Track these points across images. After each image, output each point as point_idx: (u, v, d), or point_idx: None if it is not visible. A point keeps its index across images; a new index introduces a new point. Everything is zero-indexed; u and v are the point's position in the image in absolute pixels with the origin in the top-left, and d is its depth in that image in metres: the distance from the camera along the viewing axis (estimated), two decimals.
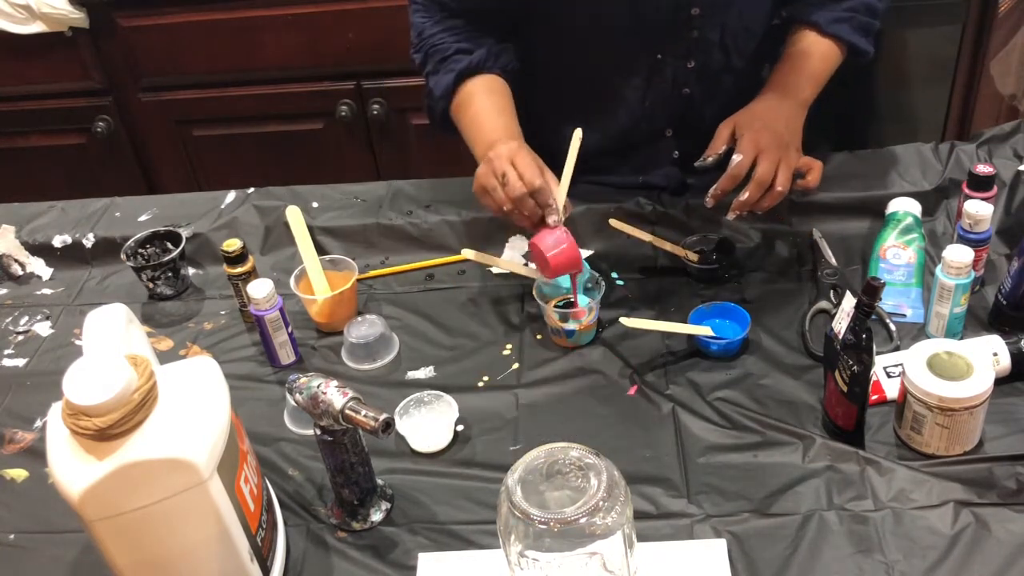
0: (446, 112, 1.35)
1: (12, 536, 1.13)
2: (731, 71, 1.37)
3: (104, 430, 0.85)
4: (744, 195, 1.21)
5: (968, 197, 1.23)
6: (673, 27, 1.29)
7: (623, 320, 1.22)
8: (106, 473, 0.85)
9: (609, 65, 1.35)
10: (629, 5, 1.27)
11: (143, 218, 1.57)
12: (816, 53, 1.34)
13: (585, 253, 1.41)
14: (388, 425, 0.98)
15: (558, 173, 1.25)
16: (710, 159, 1.27)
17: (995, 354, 1.14)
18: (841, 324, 1.05)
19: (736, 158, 1.22)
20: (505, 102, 1.32)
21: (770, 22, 1.39)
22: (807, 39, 1.35)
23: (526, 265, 1.41)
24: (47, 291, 1.51)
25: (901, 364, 1.10)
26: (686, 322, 1.26)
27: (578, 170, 1.48)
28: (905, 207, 1.35)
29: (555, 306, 1.29)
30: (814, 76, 1.33)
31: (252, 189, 1.59)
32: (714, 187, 1.23)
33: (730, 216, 1.24)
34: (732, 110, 1.37)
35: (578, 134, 1.24)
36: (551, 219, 1.19)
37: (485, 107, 1.31)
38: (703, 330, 1.22)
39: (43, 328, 1.44)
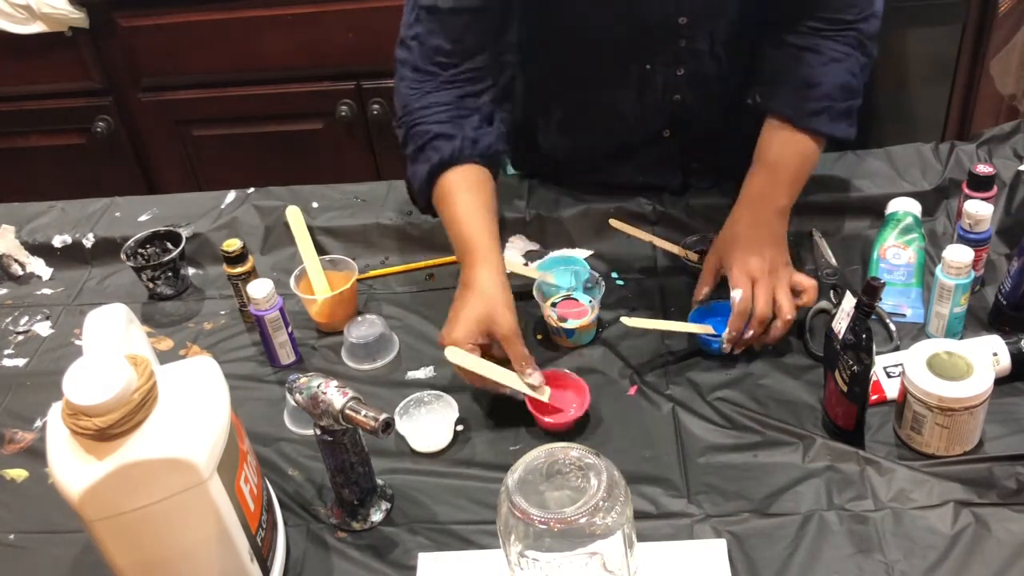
0: (429, 203, 1.29)
1: (12, 536, 1.13)
2: (723, 78, 1.35)
3: (104, 430, 0.85)
4: (749, 333, 1.20)
5: (968, 197, 1.23)
6: (661, 36, 1.29)
7: (624, 320, 1.22)
8: (106, 473, 0.85)
9: (599, 73, 1.35)
10: (617, 15, 1.26)
11: (143, 218, 1.57)
12: (791, 154, 1.27)
13: (585, 253, 1.42)
14: (388, 425, 0.98)
15: (568, 170, 1.23)
16: (701, 298, 1.26)
17: (995, 354, 1.14)
18: (841, 324, 1.05)
19: (735, 294, 1.19)
20: (477, 200, 1.24)
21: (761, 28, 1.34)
22: (781, 137, 1.27)
23: (526, 265, 1.41)
24: (47, 291, 1.51)
25: (901, 364, 1.10)
26: (682, 319, 1.26)
27: (578, 170, 1.49)
28: (905, 207, 1.35)
29: (551, 304, 1.29)
30: (791, 180, 1.27)
31: (252, 189, 1.59)
32: (726, 332, 1.20)
33: (737, 351, 1.22)
34: (727, 113, 1.37)
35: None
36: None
37: (455, 213, 1.23)
38: (704, 328, 1.22)
39: (43, 328, 1.44)
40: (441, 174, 1.25)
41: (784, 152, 1.28)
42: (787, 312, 1.19)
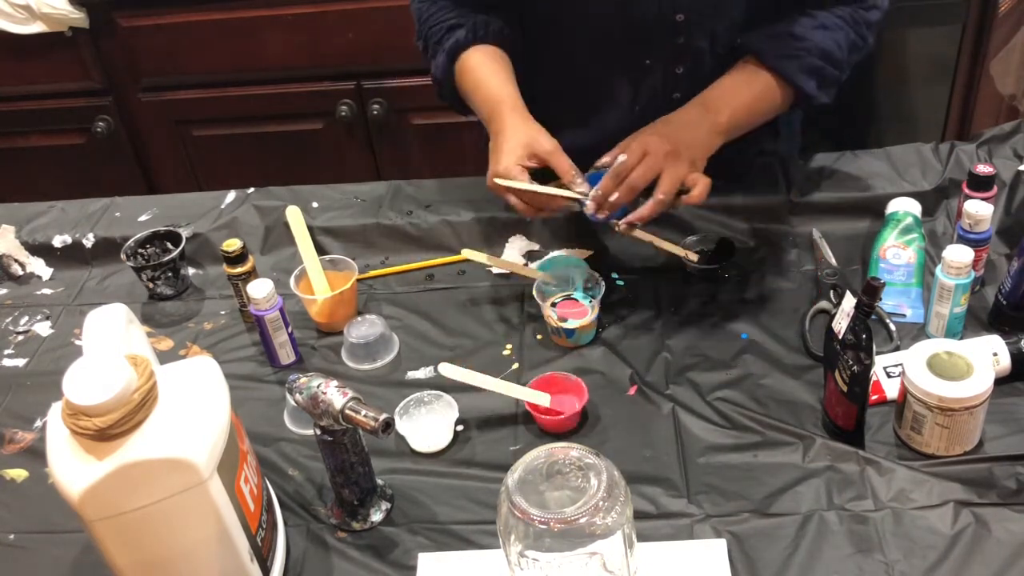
0: (455, 92, 1.35)
1: (12, 536, 1.13)
2: (726, 69, 1.34)
3: (104, 430, 0.85)
4: (614, 196, 1.17)
5: (968, 197, 1.23)
6: (659, 32, 1.29)
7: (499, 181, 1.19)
8: (106, 473, 0.85)
9: (598, 68, 1.35)
10: (616, 10, 1.27)
11: (143, 218, 1.57)
12: (751, 83, 1.26)
13: (585, 253, 1.42)
14: (388, 425, 0.98)
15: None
16: (601, 163, 1.22)
17: (995, 354, 1.14)
18: (841, 324, 1.05)
19: (620, 159, 1.17)
20: (496, 66, 1.30)
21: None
22: (747, 68, 1.27)
23: (526, 265, 1.41)
24: (47, 291, 1.51)
25: (901, 364, 1.10)
26: (683, 322, 1.26)
27: (582, 168, 1.49)
28: (905, 207, 1.35)
29: (551, 304, 1.29)
30: (740, 105, 1.25)
31: (252, 189, 1.59)
32: (593, 190, 1.19)
33: (599, 217, 1.19)
34: None
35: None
36: (587, 207, 1.18)
37: (479, 77, 1.29)
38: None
39: (43, 328, 1.44)
40: (459, 55, 1.30)
41: (743, 80, 1.26)
42: (662, 192, 1.15)
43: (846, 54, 1.27)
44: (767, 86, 1.26)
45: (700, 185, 1.18)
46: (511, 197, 1.20)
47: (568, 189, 1.19)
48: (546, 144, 1.20)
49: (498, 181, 1.18)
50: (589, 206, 1.18)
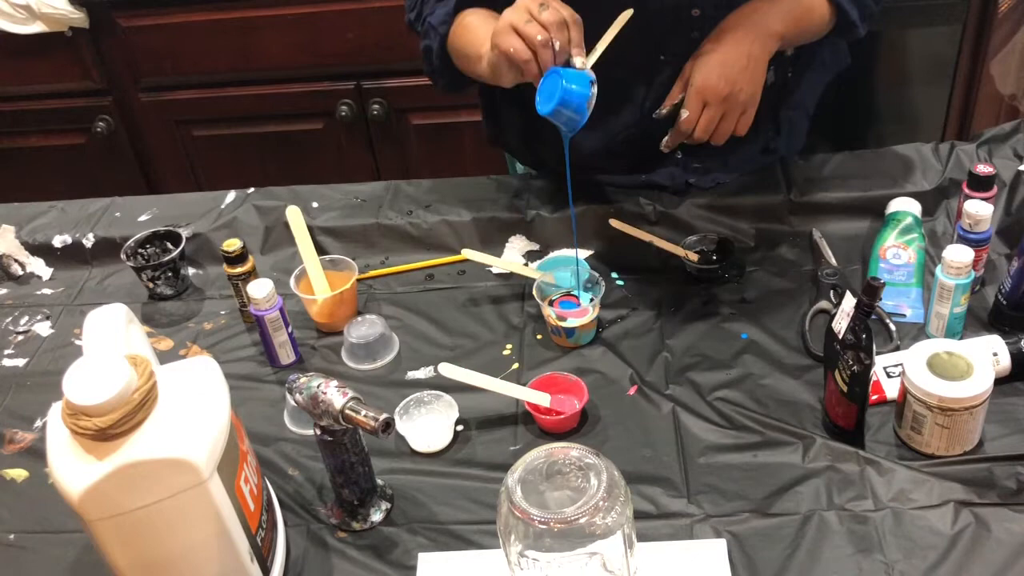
0: (444, 41, 1.32)
1: (12, 536, 1.13)
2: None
3: (104, 430, 0.85)
4: (674, 140, 1.25)
5: (968, 197, 1.23)
6: (674, 28, 1.29)
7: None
8: (106, 473, 0.85)
9: (611, 63, 1.35)
10: (633, 4, 1.26)
11: (143, 218, 1.57)
12: None
13: (585, 253, 1.42)
14: (388, 425, 0.98)
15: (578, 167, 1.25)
16: (665, 111, 1.27)
17: (995, 354, 1.14)
18: (841, 324, 1.05)
19: (683, 113, 1.22)
20: (490, 16, 1.27)
21: None
22: None
23: (526, 265, 1.41)
24: (47, 291, 1.51)
25: (901, 364, 1.10)
26: (683, 322, 1.26)
27: (580, 170, 1.49)
28: (905, 207, 1.35)
29: (551, 303, 1.29)
30: (793, 15, 1.26)
31: (252, 189, 1.59)
32: (665, 138, 1.26)
33: (664, 148, 1.27)
34: None
35: (627, 12, 1.20)
36: (578, 60, 1.13)
37: (483, 20, 1.27)
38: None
39: (43, 328, 1.44)
40: (463, 9, 1.31)
41: None
42: (717, 138, 1.23)
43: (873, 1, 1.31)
44: (814, 3, 1.29)
45: (742, 128, 1.24)
46: (515, 40, 1.13)
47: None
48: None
49: (501, 27, 1.13)
50: (664, 148, 1.27)
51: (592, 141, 1.44)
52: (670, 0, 1.26)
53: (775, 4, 1.27)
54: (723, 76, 1.21)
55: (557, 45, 1.12)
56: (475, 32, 1.28)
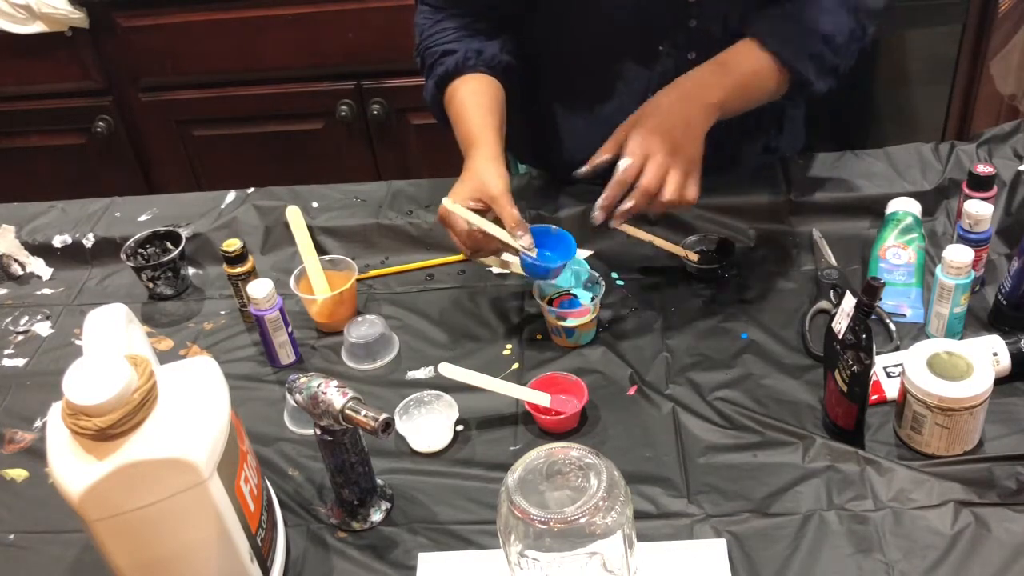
0: (444, 116, 1.35)
1: (12, 536, 1.13)
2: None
3: (104, 430, 0.85)
4: (628, 203, 1.15)
5: (968, 197, 1.23)
6: (671, 15, 1.28)
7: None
8: (106, 473, 0.85)
9: (611, 55, 1.35)
10: None
11: (143, 218, 1.57)
12: (747, 63, 1.24)
13: (585, 253, 1.42)
14: (388, 425, 0.98)
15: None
16: (586, 169, 1.20)
17: (995, 354, 1.14)
18: (841, 324, 1.05)
19: (622, 163, 1.15)
20: (480, 100, 1.29)
21: None
22: (746, 49, 1.25)
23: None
24: (47, 291, 1.51)
25: (901, 364, 1.10)
26: (683, 322, 1.26)
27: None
28: (905, 207, 1.35)
29: (549, 300, 1.29)
30: (736, 84, 1.23)
31: (252, 189, 1.59)
32: (601, 197, 1.15)
33: (614, 224, 1.17)
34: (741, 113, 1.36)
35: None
36: (595, 216, 1.17)
37: (461, 111, 1.29)
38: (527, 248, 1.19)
39: (43, 328, 1.44)
40: (448, 84, 1.32)
41: (737, 58, 1.24)
42: (669, 195, 1.14)
43: (846, 40, 1.26)
44: (761, 65, 1.25)
45: (691, 193, 1.17)
46: (452, 234, 1.21)
47: (508, 232, 1.18)
48: (493, 187, 1.18)
49: (444, 203, 1.18)
50: (597, 215, 1.16)
51: (596, 141, 1.44)
52: None
53: (715, 73, 1.24)
54: (664, 134, 1.16)
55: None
56: (459, 126, 1.29)
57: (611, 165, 1.18)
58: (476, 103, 1.29)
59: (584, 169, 1.21)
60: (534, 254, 1.18)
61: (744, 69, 1.24)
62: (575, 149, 1.47)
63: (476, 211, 1.18)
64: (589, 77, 1.39)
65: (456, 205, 1.17)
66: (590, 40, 1.35)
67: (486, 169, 1.20)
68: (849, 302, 1.04)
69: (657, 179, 1.14)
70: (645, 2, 1.27)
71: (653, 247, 1.38)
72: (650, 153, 1.15)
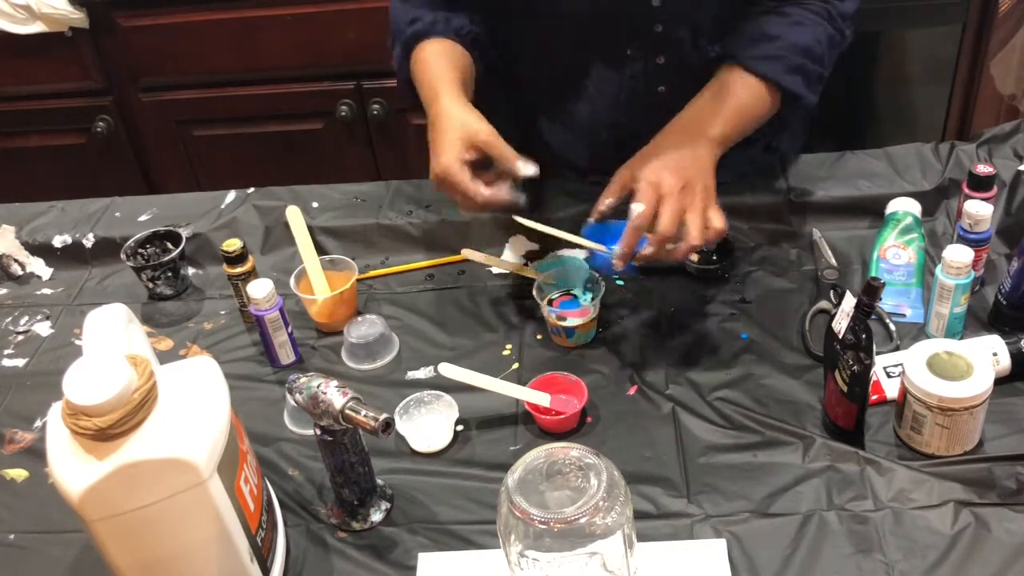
0: (410, 84, 1.32)
1: (12, 536, 1.13)
2: (710, 72, 1.32)
3: (104, 430, 0.85)
4: (647, 250, 1.10)
5: (968, 197, 1.23)
6: (637, 20, 1.28)
7: (515, 217, 1.18)
8: (106, 473, 0.85)
9: (582, 59, 1.35)
10: None
11: (143, 218, 1.57)
12: (738, 89, 1.23)
13: (585, 253, 1.42)
14: (388, 425, 0.98)
15: (571, 167, 1.26)
16: (593, 218, 1.16)
17: (995, 354, 1.14)
18: (841, 324, 1.05)
19: (635, 207, 1.09)
20: (445, 58, 1.27)
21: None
22: (731, 75, 1.24)
23: (526, 265, 1.41)
24: (47, 291, 1.51)
25: (901, 364, 1.10)
26: (683, 322, 1.26)
27: (580, 167, 1.49)
28: (905, 207, 1.35)
29: (549, 300, 1.29)
30: (731, 113, 1.22)
31: (252, 189, 1.59)
32: (618, 245, 1.11)
33: (617, 263, 1.13)
34: None
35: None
36: (529, 169, 1.15)
37: (426, 67, 1.27)
38: (596, 246, 1.18)
39: (43, 328, 1.44)
40: (414, 48, 1.29)
41: (727, 87, 1.23)
42: (694, 237, 1.09)
43: (826, 48, 1.26)
44: (753, 91, 1.25)
45: (717, 221, 1.12)
46: (456, 196, 1.16)
47: (513, 166, 1.15)
48: (483, 132, 1.15)
49: (437, 172, 1.14)
50: (617, 264, 1.12)
51: (577, 145, 1.45)
52: None
53: (709, 107, 1.24)
54: (673, 171, 1.12)
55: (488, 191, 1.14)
56: (423, 77, 1.26)
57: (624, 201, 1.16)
58: (442, 60, 1.26)
59: (591, 219, 1.17)
60: (533, 172, 1.15)
61: (737, 97, 1.24)
62: (557, 150, 1.48)
63: (472, 162, 1.15)
64: (562, 80, 1.39)
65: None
66: (561, 44, 1.35)
67: (462, 114, 1.17)
68: (849, 302, 1.04)
69: (673, 223, 1.09)
70: (611, 8, 1.27)
71: None
72: (663, 194, 1.10)
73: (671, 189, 1.10)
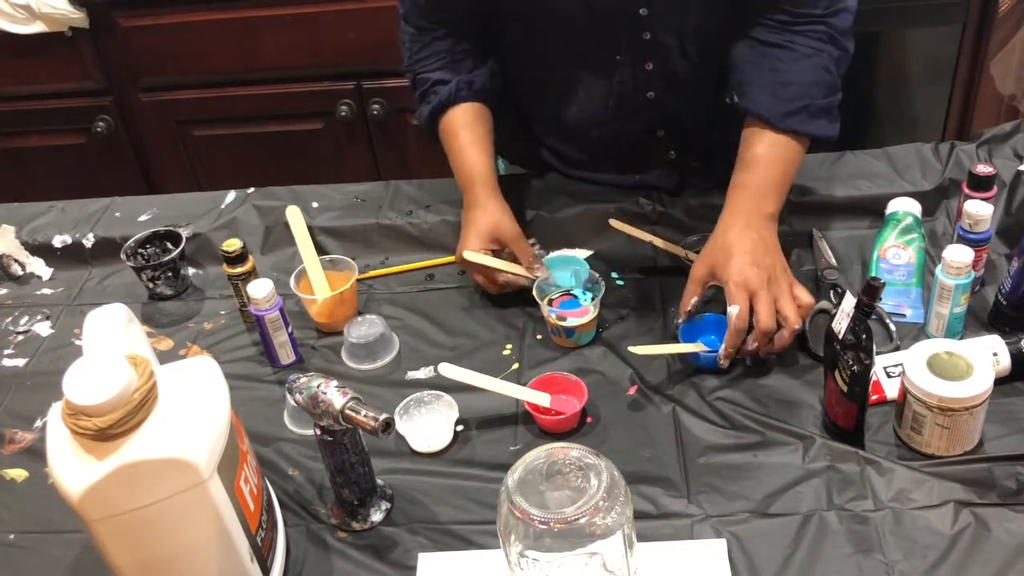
0: (436, 136, 1.41)
1: (12, 536, 1.13)
2: (697, 78, 1.34)
3: (104, 430, 0.85)
4: (751, 346, 1.16)
5: (968, 197, 1.23)
6: (624, 27, 1.29)
7: (632, 348, 1.21)
8: (106, 473, 0.85)
9: (571, 65, 1.36)
10: (581, 5, 1.26)
11: (143, 218, 1.57)
12: (774, 157, 1.25)
13: (585, 253, 1.42)
14: (388, 425, 0.98)
15: (566, 169, 1.31)
16: (681, 320, 1.22)
17: (995, 354, 1.14)
18: (841, 324, 1.05)
19: (732, 310, 1.15)
20: (475, 133, 1.37)
21: (732, 28, 1.31)
22: (763, 140, 1.25)
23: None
24: (47, 291, 1.51)
25: (901, 364, 1.10)
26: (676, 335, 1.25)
27: (576, 168, 1.49)
28: (905, 207, 1.35)
29: (549, 300, 1.29)
30: (776, 185, 1.25)
31: (252, 189, 1.59)
32: (722, 348, 1.17)
33: (723, 362, 1.18)
34: (710, 115, 1.36)
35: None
36: (539, 273, 1.31)
37: (458, 145, 1.37)
38: (700, 347, 1.21)
39: (43, 328, 1.44)
40: (442, 115, 1.38)
41: (767, 155, 1.25)
42: (794, 322, 1.15)
43: (836, 74, 1.27)
44: (786, 149, 1.26)
45: (807, 306, 1.17)
46: (478, 276, 1.34)
47: (526, 269, 1.32)
48: (510, 231, 1.32)
49: (466, 256, 1.31)
50: (723, 363, 1.18)
51: (570, 149, 1.47)
52: (618, 1, 1.26)
53: (758, 181, 1.24)
54: (752, 263, 1.17)
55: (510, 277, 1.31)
56: (457, 160, 1.37)
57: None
58: (471, 139, 1.37)
59: (679, 320, 1.23)
60: (546, 275, 1.32)
61: (776, 164, 1.25)
62: (552, 150, 1.49)
63: (493, 252, 1.32)
64: (554, 85, 1.41)
65: (477, 255, 1.31)
66: (551, 50, 1.36)
67: (496, 211, 1.33)
68: (849, 302, 1.04)
69: (772, 318, 1.15)
70: (600, 16, 1.28)
71: (653, 247, 1.38)
72: (753, 291, 1.16)
73: (759, 285, 1.16)
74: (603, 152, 1.45)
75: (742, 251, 1.19)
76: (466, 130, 1.37)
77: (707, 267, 1.22)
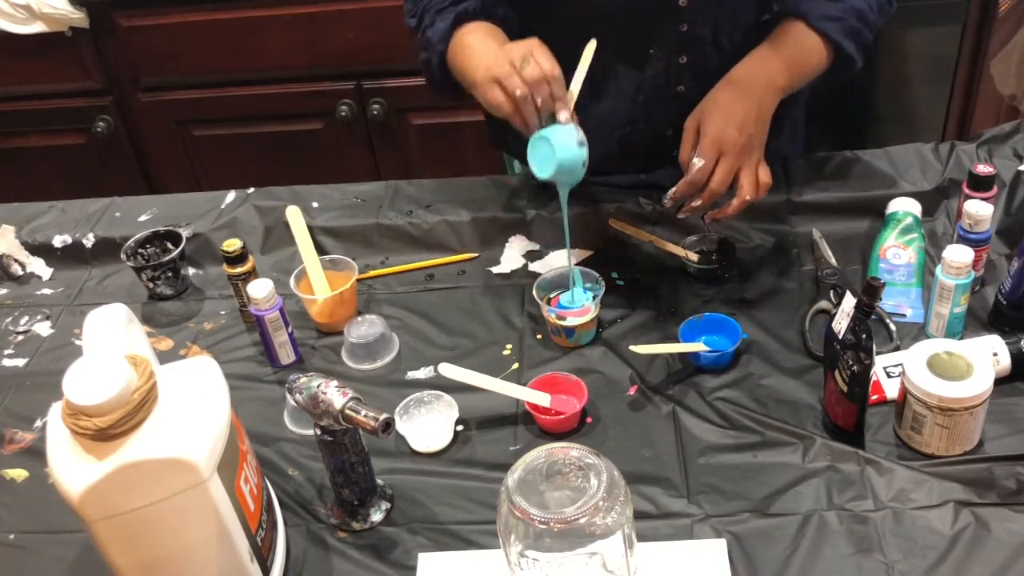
0: (443, 58, 1.30)
1: (12, 536, 1.13)
2: (725, 71, 1.32)
3: (104, 430, 0.85)
4: (695, 202, 1.19)
5: (968, 197, 1.23)
6: (662, 18, 1.29)
7: (632, 348, 1.21)
8: (106, 473, 0.85)
9: (603, 57, 1.35)
10: None
11: (143, 218, 1.57)
12: (800, 42, 1.28)
13: (585, 253, 1.42)
14: (388, 425, 0.98)
15: None
16: (685, 160, 1.21)
17: (995, 354, 1.14)
18: (841, 324, 1.05)
19: (697, 162, 1.18)
20: (503, 40, 1.25)
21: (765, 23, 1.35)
22: (794, 29, 1.28)
23: (526, 265, 1.41)
24: (47, 291, 1.51)
25: (901, 364, 1.10)
26: (682, 319, 1.25)
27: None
28: (905, 207, 1.35)
29: (548, 301, 1.29)
30: (794, 64, 1.27)
31: (252, 189, 1.59)
32: (673, 189, 1.20)
33: (681, 215, 1.22)
34: None
35: (591, 44, 1.21)
36: (562, 115, 1.13)
37: (481, 40, 1.25)
38: (698, 347, 1.21)
39: (43, 328, 1.44)
40: (463, 24, 1.27)
41: (792, 40, 1.27)
42: (746, 192, 1.18)
43: (876, 16, 1.30)
44: (813, 46, 1.28)
45: (763, 187, 1.20)
46: (499, 94, 1.14)
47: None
48: (526, 43, 1.16)
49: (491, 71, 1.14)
50: (668, 203, 1.21)
51: (592, 137, 1.45)
52: None
53: (777, 53, 1.27)
54: (738, 126, 1.19)
55: (539, 100, 1.12)
56: (472, 57, 1.24)
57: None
58: (497, 39, 1.24)
59: (668, 198, 1.22)
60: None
61: (800, 49, 1.27)
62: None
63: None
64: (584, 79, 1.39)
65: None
66: (582, 42, 1.35)
67: (504, 40, 1.21)
68: (849, 302, 1.04)
69: (724, 183, 1.17)
70: (636, 7, 1.27)
71: (653, 247, 1.38)
72: (724, 151, 1.18)
73: (731, 150, 1.17)
74: (619, 152, 1.45)
75: (731, 110, 1.21)
76: (489, 34, 1.25)
77: (696, 119, 1.23)
